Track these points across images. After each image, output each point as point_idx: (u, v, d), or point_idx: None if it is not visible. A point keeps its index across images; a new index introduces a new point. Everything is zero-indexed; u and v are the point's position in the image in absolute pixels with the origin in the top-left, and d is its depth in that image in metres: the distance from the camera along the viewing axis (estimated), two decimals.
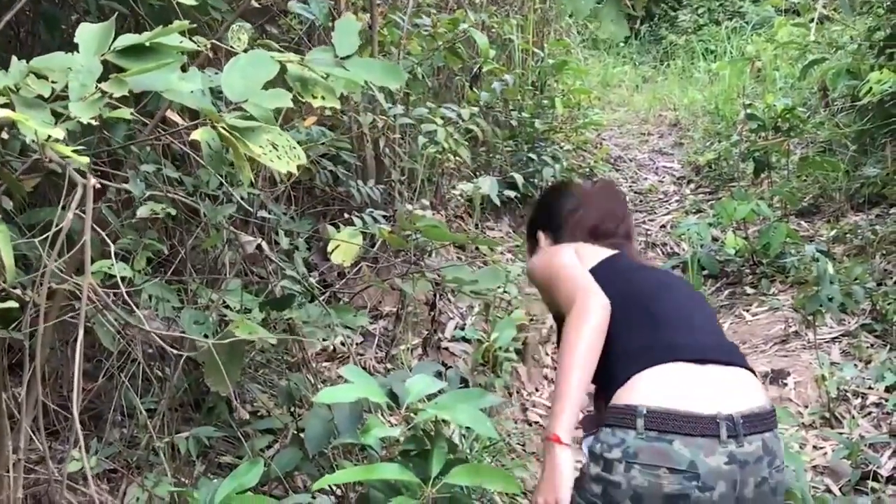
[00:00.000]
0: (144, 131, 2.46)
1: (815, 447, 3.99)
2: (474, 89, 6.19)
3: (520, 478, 3.57)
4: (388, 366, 4.26)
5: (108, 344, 2.82)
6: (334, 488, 3.13)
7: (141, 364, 3.02)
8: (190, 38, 1.68)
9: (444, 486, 2.36)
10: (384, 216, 3.53)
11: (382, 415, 2.91)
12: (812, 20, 8.13)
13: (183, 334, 2.56)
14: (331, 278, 4.55)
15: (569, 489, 2.03)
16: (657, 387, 2.00)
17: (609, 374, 2.09)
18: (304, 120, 3.76)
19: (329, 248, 3.31)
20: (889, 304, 4.96)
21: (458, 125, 4.87)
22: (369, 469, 2.52)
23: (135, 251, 2.82)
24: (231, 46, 1.96)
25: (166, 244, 3.24)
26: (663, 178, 9.08)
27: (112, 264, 2.09)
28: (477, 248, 5.60)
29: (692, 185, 8.67)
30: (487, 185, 4.43)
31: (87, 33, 1.57)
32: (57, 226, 1.65)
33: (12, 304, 1.39)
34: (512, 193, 6.22)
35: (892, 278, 5.36)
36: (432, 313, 4.43)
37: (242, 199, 3.24)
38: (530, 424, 4.43)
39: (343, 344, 4.17)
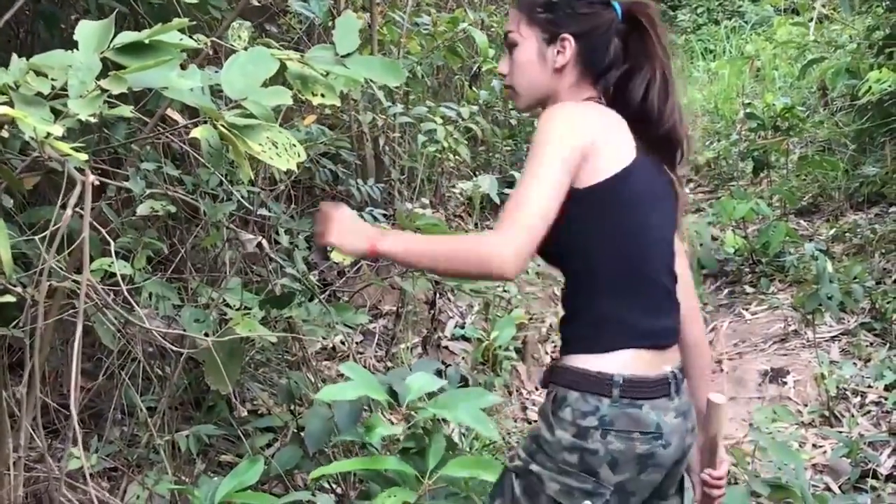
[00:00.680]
0: (144, 130, 2.46)
1: (814, 445, 3.99)
2: (473, 88, 6.19)
3: None
4: (388, 364, 4.26)
5: (108, 342, 2.82)
6: (335, 486, 3.13)
7: (141, 362, 3.03)
8: (190, 36, 1.68)
9: (440, 479, 2.36)
10: (384, 215, 3.54)
11: (383, 413, 2.91)
12: (811, 19, 8.15)
13: (184, 332, 2.57)
14: (331, 277, 4.56)
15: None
16: (631, 359, 1.98)
17: (593, 330, 2.02)
18: (303, 118, 3.76)
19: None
20: (888, 302, 4.96)
21: (458, 124, 4.86)
22: (367, 461, 2.53)
23: (135, 249, 2.82)
24: (231, 44, 1.96)
25: (166, 243, 3.25)
26: None
27: (112, 262, 2.10)
28: None
29: (691, 185, 8.67)
30: (487, 183, 4.43)
31: (86, 31, 1.57)
32: (56, 224, 1.65)
33: (9, 298, 1.39)
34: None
35: (891, 277, 5.36)
36: (432, 312, 4.44)
37: (242, 197, 3.24)
38: (530, 423, 4.43)
39: (343, 342, 4.18)
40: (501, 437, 3.97)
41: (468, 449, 3.69)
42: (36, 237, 1.78)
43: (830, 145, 7.51)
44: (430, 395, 2.64)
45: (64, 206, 1.61)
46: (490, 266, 1.83)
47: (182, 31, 1.62)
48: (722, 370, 4.80)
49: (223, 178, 3.12)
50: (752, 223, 6.60)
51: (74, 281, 2.03)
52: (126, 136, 2.72)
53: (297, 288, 3.30)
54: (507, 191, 5.96)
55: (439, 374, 3.30)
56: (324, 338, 3.93)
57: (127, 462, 3.00)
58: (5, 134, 1.69)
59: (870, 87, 6.18)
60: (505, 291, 4.76)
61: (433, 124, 4.50)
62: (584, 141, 1.91)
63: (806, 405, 4.32)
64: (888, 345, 4.70)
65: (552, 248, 1.99)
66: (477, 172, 6.00)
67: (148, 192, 2.74)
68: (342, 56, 1.94)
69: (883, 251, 5.72)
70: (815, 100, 8.46)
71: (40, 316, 1.66)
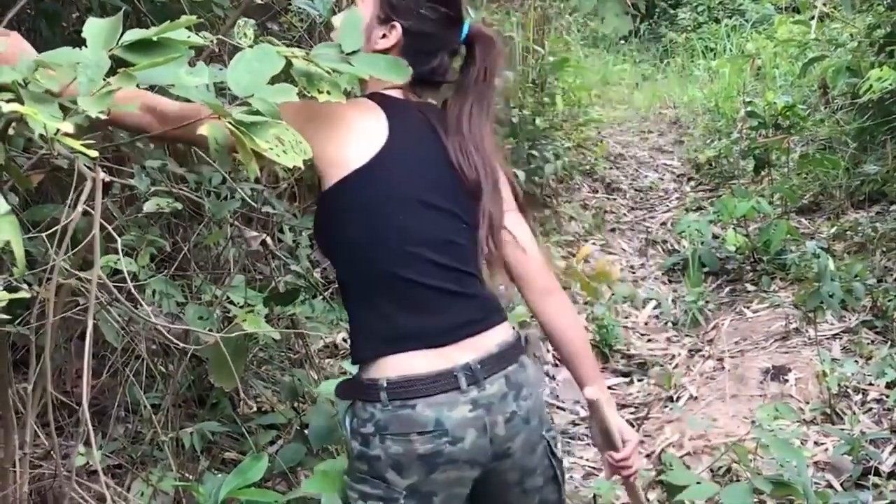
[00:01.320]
0: None
1: (816, 443, 3.99)
2: None
3: None
4: None
5: (112, 339, 2.83)
6: None
7: (145, 360, 3.04)
8: (196, 34, 1.68)
9: None
10: None
11: None
12: (812, 18, 8.15)
13: (187, 328, 2.57)
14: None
15: None
16: (399, 362, 1.97)
17: (354, 339, 2.05)
18: None
19: None
20: (889, 300, 4.97)
21: None
22: None
23: (138, 247, 2.83)
24: (237, 42, 1.96)
25: (169, 240, 3.26)
26: (663, 175, 9.09)
27: (118, 259, 2.10)
28: None
29: (692, 183, 8.69)
30: None
31: (94, 28, 1.58)
32: (65, 221, 1.66)
33: (24, 294, 1.39)
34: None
35: (892, 275, 5.37)
36: None
37: (246, 195, 3.25)
38: None
39: (346, 340, 4.18)
40: None
41: None
42: (42, 235, 1.79)
43: (831, 144, 7.51)
44: None
45: (73, 204, 1.62)
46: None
47: (189, 28, 1.63)
48: (724, 368, 4.81)
49: (227, 176, 3.12)
50: (754, 221, 6.60)
51: (79, 279, 2.04)
52: (130, 134, 2.73)
53: (300, 285, 3.32)
54: None
55: None
56: (327, 335, 3.94)
57: (131, 459, 3.01)
58: (11, 131, 1.70)
59: (871, 86, 6.17)
60: (505, 290, 4.75)
61: None
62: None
63: (807, 403, 4.32)
64: (889, 342, 4.71)
65: (323, 254, 2.10)
66: None
67: (152, 189, 2.75)
68: (347, 54, 1.95)
69: (884, 249, 5.73)
70: (816, 98, 8.47)
71: (49, 313, 1.67)
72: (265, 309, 3.04)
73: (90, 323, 1.62)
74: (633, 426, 4.42)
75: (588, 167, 8.57)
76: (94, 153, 1.38)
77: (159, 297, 2.97)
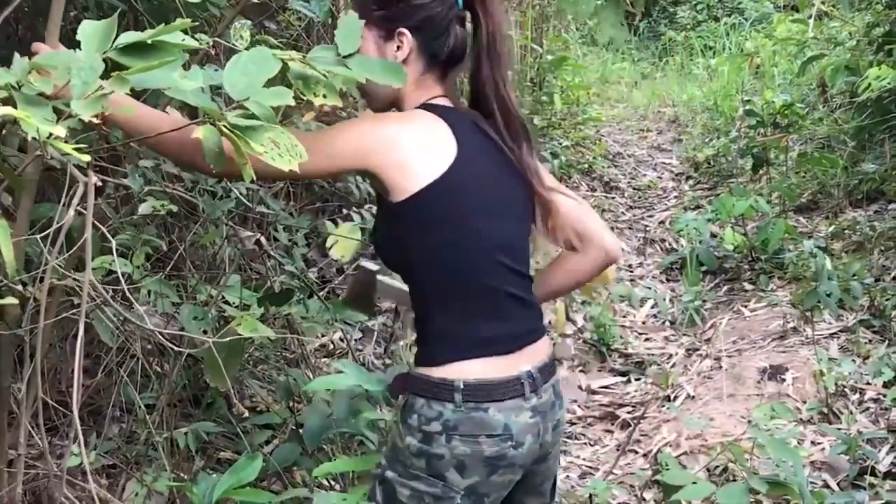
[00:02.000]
0: None
1: (813, 443, 3.99)
2: None
3: None
4: (387, 362, 4.27)
5: (107, 339, 2.83)
6: (333, 483, 3.14)
7: (140, 360, 3.03)
8: (192, 36, 1.68)
9: None
10: None
11: (381, 409, 2.91)
12: (811, 16, 8.15)
13: (182, 331, 2.57)
14: (329, 274, 4.56)
15: None
16: (476, 366, 2.00)
17: (432, 345, 2.05)
18: (302, 116, 3.76)
19: (328, 244, 3.31)
20: (887, 299, 4.97)
21: None
22: (365, 460, 2.53)
23: (133, 247, 2.83)
24: (233, 44, 1.96)
25: (165, 240, 3.25)
26: (662, 174, 9.09)
27: (112, 260, 2.10)
28: None
29: (691, 182, 8.68)
30: None
31: (89, 31, 1.57)
32: (57, 223, 1.65)
33: (12, 300, 1.39)
34: None
35: (890, 274, 5.37)
36: None
37: (241, 194, 3.25)
38: None
39: (342, 339, 4.18)
40: None
41: None
42: (36, 236, 1.78)
43: (830, 142, 7.51)
44: None
45: (66, 205, 1.61)
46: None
47: (184, 30, 1.62)
48: (721, 367, 4.81)
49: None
50: (752, 220, 6.60)
51: (74, 279, 2.04)
52: (125, 136, 2.72)
53: (295, 285, 3.31)
54: None
55: None
56: (322, 335, 3.94)
57: (126, 459, 3.01)
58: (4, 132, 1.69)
59: (869, 84, 6.18)
60: None
61: None
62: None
63: (805, 402, 4.32)
64: (887, 342, 4.71)
65: (391, 260, 2.09)
66: None
67: (147, 189, 2.74)
68: (344, 56, 1.94)
69: (882, 248, 5.73)
70: (815, 97, 8.47)
71: (41, 314, 1.66)
72: (260, 309, 3.04)
73: (81, 325, 1.61)
74: (629, 425, 4.44)
75: (586, 165, 8.56)
76: (86, 157, 1.38)
77: (154, 298, 2.97)
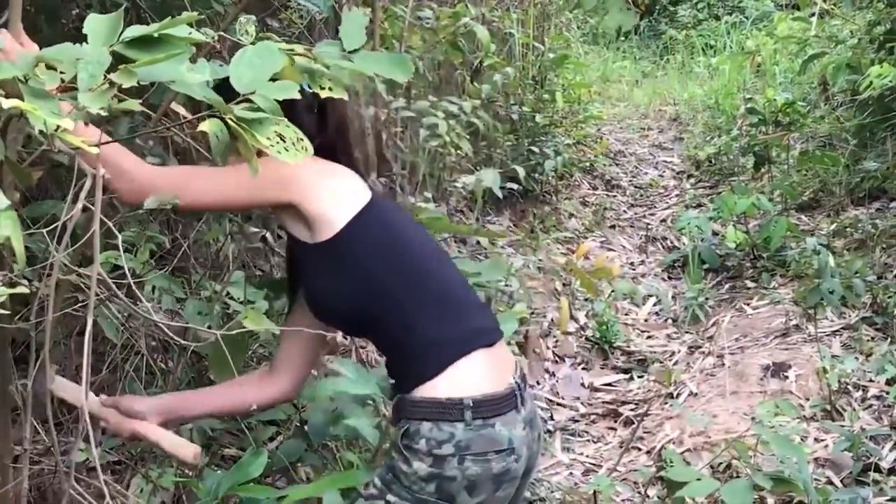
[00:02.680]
0: (149, 124, 2.46)
1: (816, 440, 3.99)
2: (475, 84, 6.19)
3: None
4: None
5: (111, 335, 2.83)
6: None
7: (144, 356, 3.03)
8: (197, 30, 1.68)
9: None
10: None
11: (387, 407, 2.91)
12: (812, 15, 8.15)
13: (186, 325, 2.57)
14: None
15: None
16: (472, 375, 2.03)
17: (416, 362, 2.06)
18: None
19: None
20: (889, 297, 4.97)
21: (460, 118, 4.87)
22: (343, 477, 2.51)
23: (138, 243, 2.83)
24: (238, 39, 1.96)
25: (168, 237, 3.25)
26: (663, 172, 9.09)
27: (118, 256, 2.09)
28: (478, 243, 5.60)
29: (692, 180, 8.68)
30: (490, 177, 4.42)
31: (95, 24, 1.57)
32: (64, 216, 1.65)
33: (23, 289, 1.39)
34: (515, 186, 6.23)
35: (892, 272, 5.37)
36: None
37: None
38: None
39: (345, 337, 4.17)
40: None
41: None
42: (43, 230, 1.78)
43: (831, 140, 7.51)
44: None
45: (73, 200, 1.61)
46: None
47: (190, 25, 1.62)
48: (724, 364, 4.81)
49: None
50: (753, 218, 6.60)
51: (79, 275, 2.04)
52: (129, 131, 2.72)
53: None
54: (509, 184, 6.03)
55: None
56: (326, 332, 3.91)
57: (130, 455, 3.01)
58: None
59: (871, 83, 6.18)
60: (506, 286, 4.76)
61: (435, 119, 4.50)
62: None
63: (807, 399, 4.32)
64: (889, 339, 4.71)
65: (337, 307, 2.15)
66: (478, 167, 6.00)
67: None
68: (349, 51, 1.95)
69: (884, 246, 5.73)
70: (816, 95, 8.46)
71: (49, 309, 1.66)
72: (265, 304, 3.04)
73: (90, 320, 1.61)
74: (632, 423, 4.44)
75: (588, 164, 8.57)
76: (94, 150, 1.38)
77: (159, 294, 2.97)
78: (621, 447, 4.23)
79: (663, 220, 7.71)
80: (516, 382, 2.08)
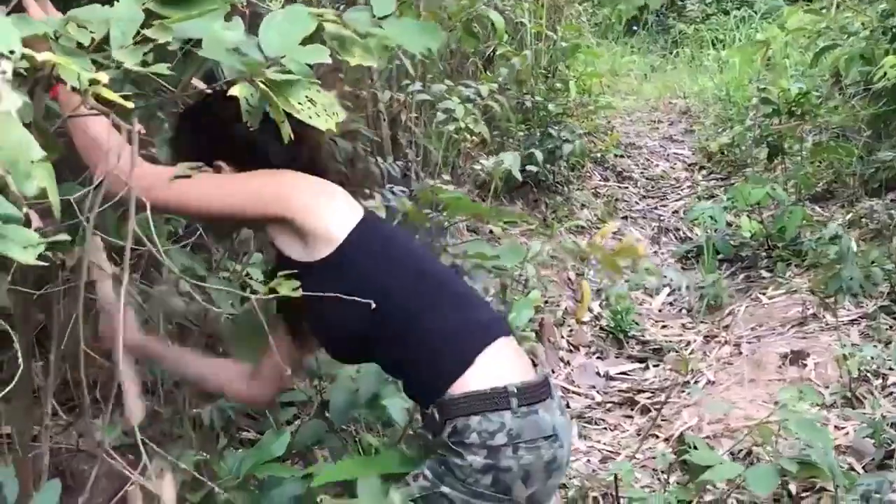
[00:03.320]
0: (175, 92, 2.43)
1: (836, 427, 3.96)
2: (488, 72, 6.16)
3: None
4: None
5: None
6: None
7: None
8: None
9: None
10: (403, 191, 3.51)
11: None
12: (823, 7, 8.10)
13: (207, 304, 2.53)
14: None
15: None
16: (504, 364, 2.02)
17: (442, 362, 2.02)
18: None
19: None
20: None
21: (476, 103, 4.84)
22: (373, 462, 2.46)
23: (156, 224, 2.78)
24: (266, 5, 1.93)
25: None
26: (674, 164, 9.06)
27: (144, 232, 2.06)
28: (490, 232, 5.57)
29: (704, 172, 8.65)
30: (510, 159, 4.38)
31: None
32: (96, 182, 1.63)
33: (64, 236, 1.36)
34: (534, 168, 6.23)
35: None
36: None
37: None
38: None
39: None
40: None
41: None
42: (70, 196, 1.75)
43: (845, 131, 7.46)
44: None
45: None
46: None
47: None
48: (740, 353, 4.78)
49: None
50: (767, 209, 6.56)
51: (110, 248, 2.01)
52: (145, 111, 2.69)
53: None
54: (529, 167, 6.00)
55: None
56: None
57: (150, 437, 2.98)
58: None
59: (885, 73, 6.14)
60: (521, 273, 4.72)
61: (451, 103, 4.47)
62: None
63: (827, 387, 4.29)
64: None
65: (348, 331, 2.10)
66: (491, 156, 5.97)
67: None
68: (379, 18, 1.92)
69: None
70: (828, 87, 8.41)
71: (82, 275, 1.64)
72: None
73: (122, 294, 1.59)
74: (649, 411, 4.40)
75: (599, 155, 8.53)
76: (130, 104, 1.35)
77: (176, 278, 2.93)
78: (638, 435, 4.20)
79: (675, 212, 7.68)
80: (546, 374, 2.10)
